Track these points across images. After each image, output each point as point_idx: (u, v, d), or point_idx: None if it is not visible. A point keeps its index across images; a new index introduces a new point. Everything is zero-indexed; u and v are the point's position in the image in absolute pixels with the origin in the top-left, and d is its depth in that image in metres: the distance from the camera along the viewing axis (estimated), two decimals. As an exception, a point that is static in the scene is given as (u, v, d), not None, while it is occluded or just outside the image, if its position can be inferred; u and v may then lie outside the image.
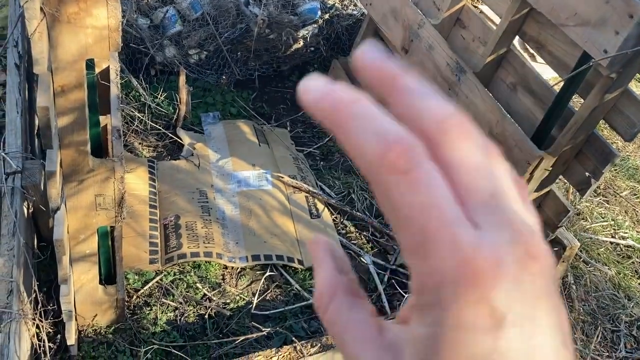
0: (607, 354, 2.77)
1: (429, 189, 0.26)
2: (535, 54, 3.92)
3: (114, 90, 2.21)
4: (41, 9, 1.63)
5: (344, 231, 3.16)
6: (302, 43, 3.94)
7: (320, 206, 3.24)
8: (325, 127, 0.29)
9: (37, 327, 2.20)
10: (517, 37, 2.74)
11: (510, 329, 0.26)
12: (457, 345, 0.26)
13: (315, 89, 0.30)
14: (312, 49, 4.04)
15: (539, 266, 0.27)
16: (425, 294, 0.27)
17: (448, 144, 0.28)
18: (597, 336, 2.81)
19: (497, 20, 3.06)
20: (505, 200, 0.28)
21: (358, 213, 3.24)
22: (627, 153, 4.09)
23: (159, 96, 3.58)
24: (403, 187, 0.26)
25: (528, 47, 3.80)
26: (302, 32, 3.88)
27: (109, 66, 2.17)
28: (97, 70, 2.15)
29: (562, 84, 2.40)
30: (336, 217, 3.22)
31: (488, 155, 0.29)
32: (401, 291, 2.73)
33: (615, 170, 3.88)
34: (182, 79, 3.32)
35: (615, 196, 3.70)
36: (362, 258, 3.04)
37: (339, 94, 0.29)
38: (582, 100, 2.39)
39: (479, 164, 0.28)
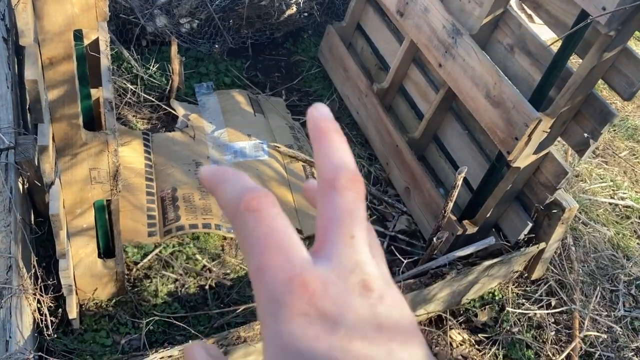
0: (606, 313, 2.80)
1: (271, 223, 0.33)
2: (532, 14, 3.85)
3: (105, 61, 2.17)
4: (24, -22, 1.58)
5: (342, 199, 3.15)
6: (295, 9, 3.87)
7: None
8: (212, 193, 0.37)
9: (38, 301, 2.21)
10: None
11: (347, 332, 0.31)
12: (296, 350, 0.31)
13: (210, 168, 0.37)
14: (306, 14, 3.97)
15: (376, 296, 0.32)
16: (264, 311, 0.32)
17: (325, 192, 0.35)
18: (596, 296, 2.83)
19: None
20: (361, 243, 0.34)
21: (356, 180, 3.23)
22: (626, 113, 4.06)
23: (151, 67, 3.52)
24: (251, 222, 0.33)
25: (525, 7, 3.73)
26: (295, -2, 3.81)
27: (98, 37, 2.12)
28: (86, 41, 2.10)
29: (559, 44, 2.36)
30: (334, 185, 3.21)
31: (358, 204, 0.35)
32: (400, 257, 2.74)
33: (614, 130, 3.86)
34: (174, 49, 3.26)
35: (614, 157, 3.69)
36: (360, 225, 3.03)
37: (222, 169, 0.37)
38: (580, 60, 2.35)
39: (349, 212, 0.35)
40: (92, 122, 2.35)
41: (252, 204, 0.34)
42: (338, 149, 0.37)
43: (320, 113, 0.38)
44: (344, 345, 0.30)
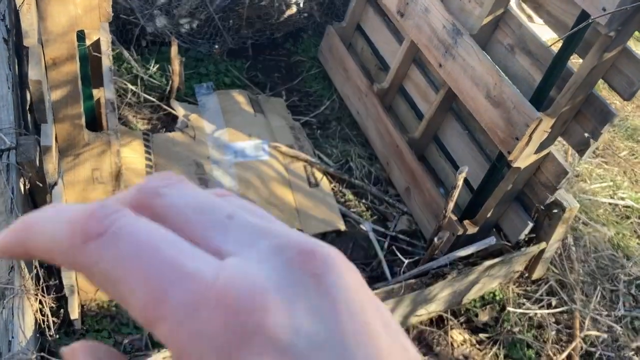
0: (607, 312, 2.81)
1: (134, 236, 0.22)
2: (532, 14, 3.86)
3: (106, 62, 2.17)
4: (27, -21, 1.59)
5: (343, 199, 3.16)
6: (295, 9, 3.87)
7: (318, 175, 3.23)
8: (20, 258, 0.26)
9: (40, 302, 2.21)
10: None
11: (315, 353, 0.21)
12: None
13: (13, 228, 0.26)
14: (306, 14, 3.97)
15: (321, 261, 0.23)
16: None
17: (156, 201, 0.25)
18: (597, 296, 2.84)
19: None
20: (245, 215, 0.25)
21: (357, 181, 3.24)
22: (626, 113, 4.07)
23: (151, 68, 3.52)
24: (104, 251, 0.22)
25: (525, 7, 3.75)
26: (295, -2, 3.81)
27: (99, 38, 2.13)
28: (88, 42, 2.11)
29: (560, 44, 2.37)
30: (335, 186, 3.21)
31: (198, 196, 0.25)
32: (401, 257, 2.74)
33: (614, 130, 3.87)
34: (174, 49, 3.26)
35: (614, 157, 3.70)
36: (361, 225, 3.04)
37: (24, 217, 0.26)
38: (580, 60, 2.36)
39: (196, 206, 0.25)
40: (94, 122, 2.35)
41: (91, 227, 0.23)
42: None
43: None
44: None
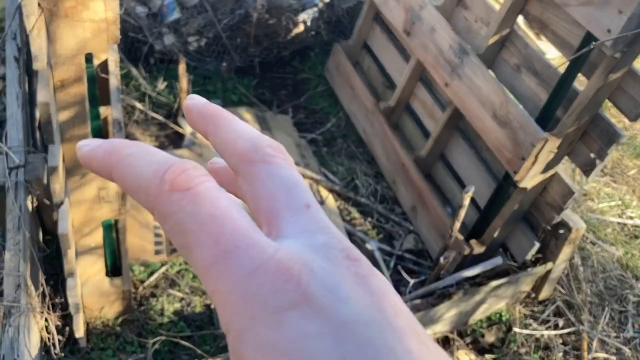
0: (615, 334, 2.77)
1: (215, 201, 0.26)
2: (539, 34, 3.87)
3: (114, 82, 2.19)
4: (39, 4, 1.61)
5: (348, 217, 3.15)
6: (302, 27, 3.90)
7: (324, 193, 3.24)
8: (102, 176, 0.29)
9: (46, 320, 2.22)
10: (520, 17, 2.70)
11: (351, 318, 0.24)
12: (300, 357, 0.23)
13: (87, 144, 0.29)
14: (313, 33, 4.00)
15: (364, 267, 0.27)
16: (234, 316, 0.24)
17: (250, 169, 0.29)
18: (605, 317, 2.81)
19: (500, 0, 3.02)
20: (320, 212, 0.28)
21: (362, 199, 3.24)
22: (635, 131, 4.05)
23: (159, 85, 3.56)
24: (187, 204, 0.26)
25: (531, 27, 3.76)
26: (303, 16, 3.84)
27: (107, 58, 2.15)
28: (96, 62, 2.13)
29: (566, 64, 2.37)
30: (340, 204, 3.21)
31: (295, 171, 0.29)
32: (407, 277, 2.73)
33: (622, 149, 3.85)
34: (182, 67, 3.29)
35: (623, 175, 3.68)
36: (367, 244, 3.03)
37: (114, 142, 0.29)
38: (586, 80, 2.36)
39: (292, 180, 0.29)
40: (101, 141, 2.38)
41: (180, 181, 0.26)
42: (240, 124, 0.31)
43: (198, 100, 0.32)
44: (352, 338, 0.23)
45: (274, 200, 0.28)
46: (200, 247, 0.25)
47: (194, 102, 0.32)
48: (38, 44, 1.59)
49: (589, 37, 2.22)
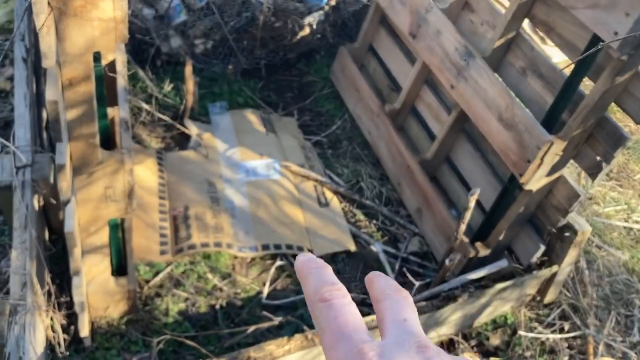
0: (621, 338, 2.76)
1: (339, 309, 0.41)
2: (544, 37, 3.87)
3: (121, 82, 2.21)
4: (48, 3, 1.62)
5: (353, 219, 3.15)
6: (308, 30, 3.91)
7: (329, 195, 3.24)
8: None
9: (51, 318, 2.22)
10: (526, 21, 2.70)
11: None
12: None
13: (302, 259, 0.46)
14: (319, 35, 4.01)
15: (432, 350, 0.38)
16: None
17: (384, 302, 0.44)
18: (611, 321, 2.80)
19: (506, 3, 3.03)
20: (414, 323, 0.42)
21: (367, 201, 3.24)
22: (640, 136, 4.04)
23: (165, 87, 3.57)
24: (324, 309, 0.41)
25: (537, 30, 3.76)
26: (308, 19, 3.85)
27: (115, 58, 2.17)
28: (104, 62, 2.15)
29: (572, 67, 2.37)
30: (345, 206, 3.21)
31: (406, 302, 0.44)
32: (412, 279, 2.73)
33: (629, 153, 3.84)
34: (189, 69, 3.31)
35: (629, 179, 3.67)
36: (372, 246, 3.03)
37: (313, 261, 0.46)
38: (592, 83, 2.36)
39: (398, 309, 0.43)
40: (108, 141, 2.39)
41: (325, 296, 0.42)
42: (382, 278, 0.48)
43: (370, 276, 0.48)
44: None
45: (384, 316, 0.43)
46: (324, 337, 0.40)
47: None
48: (47, 42, 1.61)
49: (595, 40, 2.22)
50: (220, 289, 2.71)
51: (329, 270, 0.45)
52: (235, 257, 2.86)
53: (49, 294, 2.26)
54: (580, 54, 2.32)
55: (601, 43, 1.60)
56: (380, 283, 0.46)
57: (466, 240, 2.76)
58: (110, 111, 2.41)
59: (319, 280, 0.43)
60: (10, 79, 3.52)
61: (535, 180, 2.47)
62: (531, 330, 2.75)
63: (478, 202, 2.88)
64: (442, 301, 2.54)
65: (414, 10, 3.12)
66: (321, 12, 3.90)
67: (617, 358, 2.68)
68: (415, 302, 2.52)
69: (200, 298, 2.65)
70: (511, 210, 2.62)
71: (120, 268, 2.44)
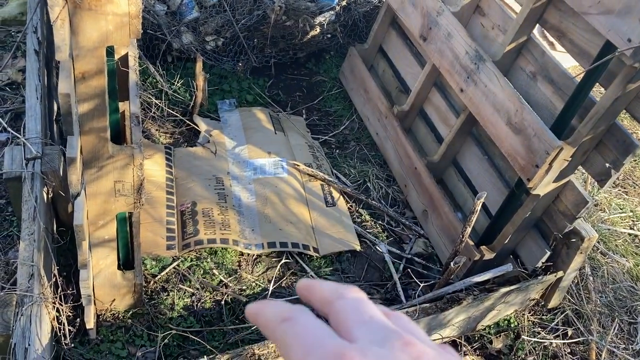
0: (624, 345, 2.76)
1: (306, 321, 0.39)
2: (555, 42, 3.86)
3: (133, 76, 2.22)
4: (63, -5, 1.63)
5: (359, 219, 3.16)
6: (318, 30, 3.92)
7: (335, 194, 3.25)
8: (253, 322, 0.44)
9: (57, 310, 2.23)
10: (537, 26, 2.70)
11: None
12: None
13: (256, 306, 0.44)
14: (329, 35, 4.02)
15: (418, 348, 0.36)
16: None
17: (336, 303, 0.42)
18: (614, 328, 2.80)
19: (517, 8, 3.02)
20: (379, 318, 0.40)
21: (374, 202, 3.24)
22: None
23: (175, 83, 3.59)
24: (289, 327, 0.39)
25: (548, 35, 3.75)
26: (319, 19, 3.86)
27: (127, 53, 2.18)
28: (117, 56, 2.16)
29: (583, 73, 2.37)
30: (352, 206, 3.22)
31: (361, 298, 0.42)
32: (417, 280, 2.73)
33: (635, 161, 3.83)
34: (199, 65, 3.32)
35: (634, 187, 3.66)
36: (377, 247, 3.04)
37: (268, 303, 0.44)
38: (603, 89, 2.35)
39: (357, 308, 0.41)
40: (118, 135, 2.40)
41: (286, 315, 0.41)
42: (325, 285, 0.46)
43: (304, 283, 0.46)
44: None
45: (344, 319, 0.40)
46: (292, 351, 0.38)
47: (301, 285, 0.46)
48: (62, 35, 1.62)
49: (608, 46, 2.22)
50: (226, 285, 2.72)
51: (282, 302, 0.44)
52: (242, 254, 2.87)
53: (56, 285, 2.27)
54: (593, 61, 2.32)
55: (617, 51, 1.60)
56: (323, 285, 0.43)
57: (471, 243, 2.76)
58: (121, 106, 2.42)
59: (275, 307, 0.42)
60: (22, 70, 3.54)
61: (543, 186, 2.47)
62: (534, 335, 2.75)
63: (484, 206, 2.89)
64: (446, 303, 2.55)
65: (425, 13, 3.12)
66: (332, 12, 3.90)
67: (620, 365, 2.68)
68: (419, 303, 2.53)
69: (206, 294, 2.67)
70: (518, 214, 2.63)
71: (127, 262, 2.45)
